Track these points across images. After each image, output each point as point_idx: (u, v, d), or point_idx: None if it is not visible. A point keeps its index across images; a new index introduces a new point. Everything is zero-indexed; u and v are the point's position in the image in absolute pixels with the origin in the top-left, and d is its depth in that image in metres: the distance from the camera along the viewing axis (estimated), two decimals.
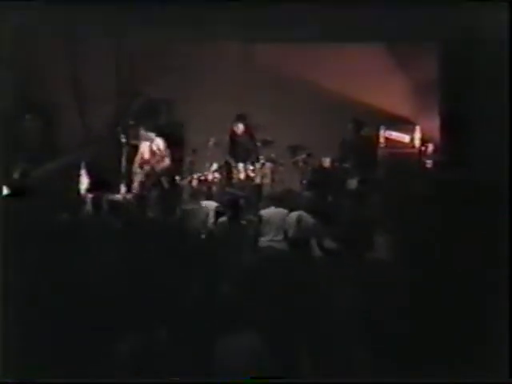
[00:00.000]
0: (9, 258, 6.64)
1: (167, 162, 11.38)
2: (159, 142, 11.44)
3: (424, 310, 6.10)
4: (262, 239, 9.41)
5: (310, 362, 6.02)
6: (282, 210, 9.70)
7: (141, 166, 11.39)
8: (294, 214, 9.53)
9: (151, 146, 11.42)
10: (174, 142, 11.88)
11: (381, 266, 7.44)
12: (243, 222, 9.47)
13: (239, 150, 11.77)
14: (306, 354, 6.10)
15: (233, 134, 11.83)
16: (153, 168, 11.34)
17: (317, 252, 8.91)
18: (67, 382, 5.83)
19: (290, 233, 9.37)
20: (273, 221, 9.57)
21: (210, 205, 10.18)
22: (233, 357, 5.76)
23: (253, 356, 5.75)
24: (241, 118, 11.69)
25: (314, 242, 9.05)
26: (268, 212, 9.75)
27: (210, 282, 6.85)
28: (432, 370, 5.63)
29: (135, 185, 11.32)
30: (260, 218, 9.58)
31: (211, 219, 9.84)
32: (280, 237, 9.39)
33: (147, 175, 11.32)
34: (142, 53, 12.19)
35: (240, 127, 11.73)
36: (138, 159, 11.45)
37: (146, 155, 11.43)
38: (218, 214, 9.92)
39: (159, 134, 11.60)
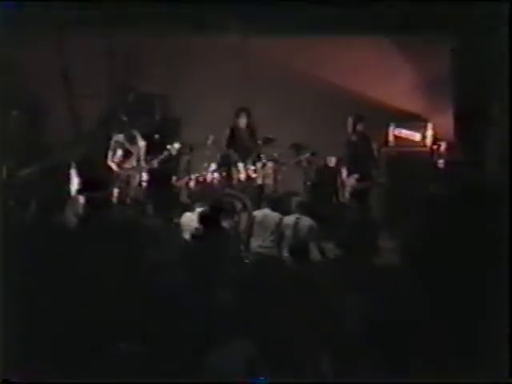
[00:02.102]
0: (5, 259, 6.80)
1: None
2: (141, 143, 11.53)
3: (424, 310, 6.19)
4: (252, 243, 9.64)
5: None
6: (274, 214, 9.85)
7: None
8: (291, 218, 9.71)
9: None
10: (170, 140, 11.93)
11: (384, 269, 7.46)
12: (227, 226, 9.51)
13: (239, 147, 11.76)
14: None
15: (234, 129, 11.79)
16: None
17: (317, 257, 8.99)
18: (67, 382, 6.00)
19: (288, 238, 9.48)
20: (265, 224, 9.76)
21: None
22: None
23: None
24: (244, 110, 11.70)
25: (313, 247, 9.09)
26: (260, 213, 9.95)
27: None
28: (432, 370, 5.77)
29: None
30: (252, 220, 9.82)
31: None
32: (270, 243, 9.58)
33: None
34: (135, 45, 12.35)
35: (243, 121, 11.70)
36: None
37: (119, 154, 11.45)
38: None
39: (154, 131, 11.83)
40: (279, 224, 9.72)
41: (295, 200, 10.29)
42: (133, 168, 11.41)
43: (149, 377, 5.84)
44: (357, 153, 11.57)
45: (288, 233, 9.56)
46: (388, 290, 6.67)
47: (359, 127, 11.54)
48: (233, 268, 7.99)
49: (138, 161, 11.45)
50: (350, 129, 11.58)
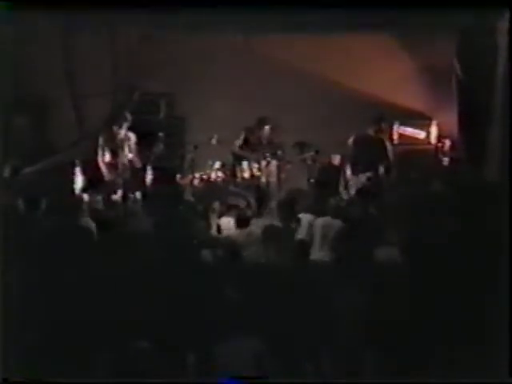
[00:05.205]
0: (7, 259, 6.89)
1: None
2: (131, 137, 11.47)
3: (424, 310, 6.33)
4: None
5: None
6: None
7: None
8: (321, 220, 9.53)
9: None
10: (175, 139, 12.28)
11: (387, 267, 7.50)
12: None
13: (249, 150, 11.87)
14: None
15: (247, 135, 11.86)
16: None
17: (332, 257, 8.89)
18: (67, 382, 6.14)
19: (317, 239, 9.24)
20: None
21: None
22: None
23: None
24: (265, 121, 11.72)
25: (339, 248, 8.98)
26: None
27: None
28: (432, 370, 5.94)
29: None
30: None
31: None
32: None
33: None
34: (140, 44, 12.42)
35: (266, 129, 11.72)
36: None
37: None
38: None
39: (159, 130, 11.87)
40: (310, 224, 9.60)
41: (330, 203, 10.08)
42: (123, 167, 11.39)
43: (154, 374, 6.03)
44: (370, 152, 11.40)
45: (317, 234, 9.33)
46: (389, 289, 6.84)
47: (382, 126, 11.46)
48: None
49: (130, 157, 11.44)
50: (371, 127, 11.43)
